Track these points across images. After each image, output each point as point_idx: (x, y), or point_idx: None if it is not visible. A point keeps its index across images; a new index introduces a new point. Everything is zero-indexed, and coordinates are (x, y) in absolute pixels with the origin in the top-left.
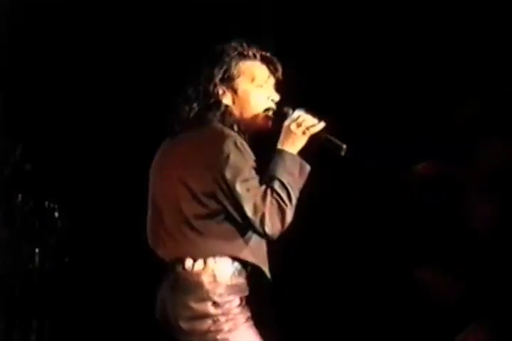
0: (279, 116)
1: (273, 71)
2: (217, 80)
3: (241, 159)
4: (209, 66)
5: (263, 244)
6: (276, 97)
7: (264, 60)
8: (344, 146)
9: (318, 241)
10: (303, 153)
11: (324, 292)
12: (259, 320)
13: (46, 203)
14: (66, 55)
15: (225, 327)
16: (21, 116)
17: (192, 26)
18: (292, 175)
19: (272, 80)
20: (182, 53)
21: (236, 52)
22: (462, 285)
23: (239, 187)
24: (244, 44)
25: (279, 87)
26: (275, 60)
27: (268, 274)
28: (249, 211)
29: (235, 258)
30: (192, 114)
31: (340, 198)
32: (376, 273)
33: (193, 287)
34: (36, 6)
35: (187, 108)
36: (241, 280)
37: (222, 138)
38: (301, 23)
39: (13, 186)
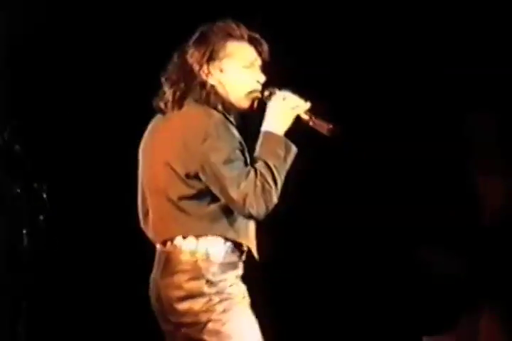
0: (264, 96)
1: (260, 52)
2: (203, 60)
3: (224, 140)
4: (195, 45)
5: (250, 224)
6: (263, 78)
7: (251, 41)
8: (331, 126)
9: (311, 224)
10: (289, 133)
11: (318, 276)
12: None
13: (35, 184)
14: (52, 41)
15: (219, 307)
16: (10, 98)
17: (179, 6)
18: (278, 156)
19: (259, 61)
20: (169, 33)
21: (223, 32)
22: (464, 263)
23: (222, 169)
24: (233, 24)
25: (265, 69)
26: (263, 41)
27: (256, 255)
28: (233, 192)
29: (226, 238)
30: (177, 94)
31: (330, 180)
32: (376, 257)
33: (185, 266)
34: None
35: (173, 88)
36: (234, 258)
37: (206, 119)
38: (290, 6)
39: (1, 168)
